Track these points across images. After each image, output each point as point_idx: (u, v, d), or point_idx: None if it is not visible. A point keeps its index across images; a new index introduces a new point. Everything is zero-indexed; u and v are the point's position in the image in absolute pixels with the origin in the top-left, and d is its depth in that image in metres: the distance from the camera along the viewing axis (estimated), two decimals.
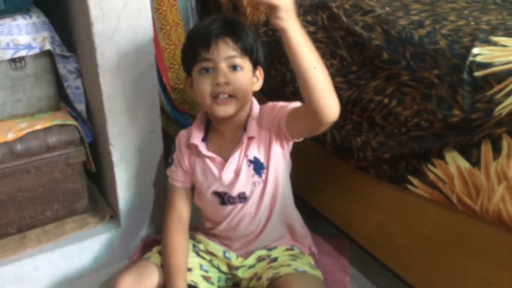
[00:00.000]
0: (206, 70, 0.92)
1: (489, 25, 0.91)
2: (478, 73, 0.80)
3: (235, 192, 0.99)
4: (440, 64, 0.86)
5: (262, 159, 0.98)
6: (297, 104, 0.93)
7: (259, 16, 1.31)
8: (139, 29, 1.03)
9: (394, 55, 0.94)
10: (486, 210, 0.79)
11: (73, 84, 1.16)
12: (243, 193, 0.99)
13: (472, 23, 0.93)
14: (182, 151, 1.04)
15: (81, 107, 1.18)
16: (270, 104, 0.99)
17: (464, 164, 0.82)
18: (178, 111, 1.45)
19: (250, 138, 0.97)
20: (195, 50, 0.92)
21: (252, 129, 0.97)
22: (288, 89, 1.22)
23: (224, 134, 1.00)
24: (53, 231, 1.17)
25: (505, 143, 0.76)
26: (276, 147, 0.98)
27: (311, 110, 0.83)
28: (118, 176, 1.14)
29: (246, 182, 0.98)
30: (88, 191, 1.22)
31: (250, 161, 0.98)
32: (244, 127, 0.98)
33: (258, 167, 0.98)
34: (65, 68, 1.15)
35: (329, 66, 1.09)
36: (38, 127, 1.09)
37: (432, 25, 0.94)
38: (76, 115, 1.20)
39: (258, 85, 0.99)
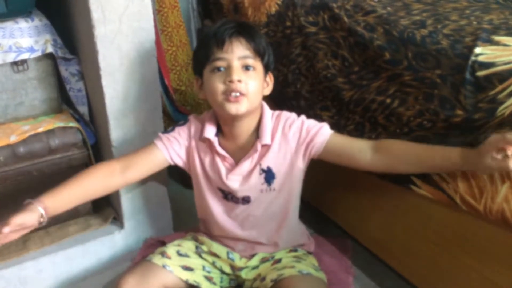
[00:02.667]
0: (219, 69, 0.91)
1: (491, 24, 0.91)
2: (480, 73, 0.80)
3: (239, 194, 0.99)
4: (442, 64, 0.86)
5: (275, 169, 0.97)
6: (328, 131, 0.95)
7: (260, 17, 1.31)
8: (141, 31, 1.03)
9: (396, 55, 0.94)
10: (490, 210, 0.79)
11: (75, 87, 1.16)
12: (248, 197, 0.99)
13: (474, 22, 0.93)
14: (192, 140, 1.01)
15: (83, 109, 1.18)
16: (293, 118, 0.97)
17: None
18: (180, 113, 1.45)
19: (265, 146, 0.97)
20: (208, 49, 0.91)
21: (267, 136, 0.96)
22: (290, 89, 1.22)
23: (236, 138, 0.98)
24: (56, 233, 1.17)
25: None
26: (300, 165, 0.98)
27: (376, 169, 0.93)
28: None
29: (253, 188, 0.98)
30: None
31: (263, 170, 0.97)
32: (257, 132, 0.97)
33: (269, 176, 0.98)
34: (67, 71, 1.15)
35: (330, 67, 1.09)
36: (40, 129, 1.10)
37: (434, 25, 0.94)
38: (78, 117, 1.20)
39: (268, 90, 0.98)
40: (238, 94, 0.90)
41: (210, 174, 1.01)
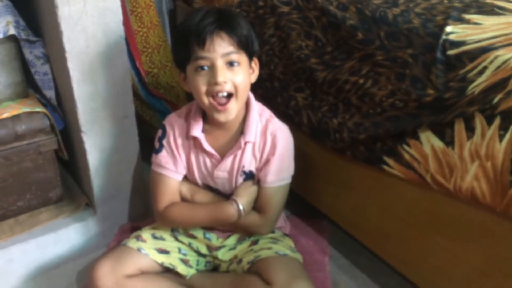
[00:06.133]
0: (202, 68, 0.88)
1: (462, 3, 0.91)
2: (451, 52, 0.80)
3: (226, 191, 1.00)
4: (414, 43, 0.86)
5: (254, 170, 0.98)
6: (268, 183, 0.97)
7: None
8: (107, 11, 0.99)
9: (368, 35, 0.93)
10: (459, 188, 0.80)
11: (41, 70, 1.12)
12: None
13: (445, 1, 0.93)
14: (177, 140, 0.99)
15: (50, 93, 1.14)
16: (279, 138, 0.96)
17: (438, 143, 0.82)
18: (153, 96, 1.42)
19: (248, 143, 0.96)
20: (189, 47, 0.88)
21: (251, 133, 0.95)
22: (264, 71, 1.20)
23: (222, 130, 0.97)
24: (27, 221, 1.14)
25: (478, 122, 0.76)
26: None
27: None
28: (92, 164, 1.11)
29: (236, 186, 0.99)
30: (62, 179, 1.20)
31: (244, 172, 0.98)
32: (242, 126, 0.96)
33: (249, 177, 0.99)
34: (32, 54, 1.10)
35: (304, 47, 1.07)
36: (5, 115, 1.06)
37: (406, 4, 0.93)
38: (45, 102, 1.16)
39: (254, 76, 0.96)
40: (225, 93, 0.88)
41: (197, 171, 1.00)
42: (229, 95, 0.90)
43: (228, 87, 0.88)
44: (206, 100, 0.90)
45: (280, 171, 0.97)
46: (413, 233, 0.93)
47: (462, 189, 0.80)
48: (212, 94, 0.89)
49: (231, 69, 0.89)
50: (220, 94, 0.88)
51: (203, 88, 0.89)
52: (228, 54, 0.88)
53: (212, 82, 0.87)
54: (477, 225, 0.81)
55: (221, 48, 0.87)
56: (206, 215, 0.98)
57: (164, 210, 0.99)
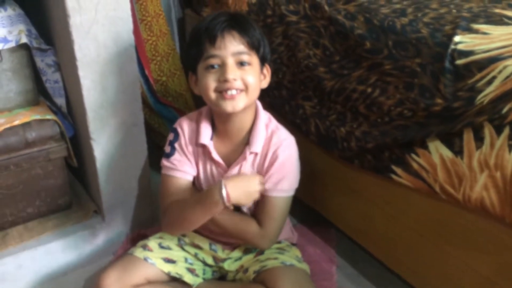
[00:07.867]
0: (213, 66, 0.88)
1: (471, 12, 0.91)
2: (459, 61, 0.80)
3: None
4: (422, 53, 0.86)
5: None
6: (275, 192, 0.95)
7: (241, 6, 1.29)
8: (118, 20, 1.01)
9: (376, 44, 0.93)
10: (468, 198, 0.80)
11: (51, 78, 1.14)
12: (239, 206, 0.99)
13: (454, 10, 0.93)
14: (187, 145, 0.99)
15: (60, 101, 1.16)
16: (283, 149, 0.95)
17: (446, 153, 0.82)
18: (161, 104, 1.43)
19: (253, 153, 0.95)
20: (200, 46, 0.88)
21: (257, 144, 0.94)
22: (271, 79, 1.19)
23: (229, 138, 0.97)
24: (36, 228, 1.15)
25: (487, 132, 0.76)
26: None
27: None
28: (101, 171, 1.12)
29: None
30: (71, 186, 1.21)
31: None
32: (248, 136, 0.96)
33: None
34: (43, 62, 1.12)
35: (312, 56, 1.08)
36: (16, 122, 1.07)
37: (414, 13, 0.94)
38: (56, 109, 1.17)
39: (265, 82, 0.96)
40: (234, 92, 0.87)
41: (203, 178, 1.00)
42: (238, 91, 0.88)
43: (238, 84, 0.87)
44: (213, 95, 0.89)
45: (280, 182, 0.95)
46: (421, 242, 0.92)
47: (471, 199, 0.79)
48: (220, 91, 0.88)
49: (242, 68, 0.88)
50: (229, 92, 0.87)
51: (212, 85, 0.88)
52: (239, 53, 0.87)
53: (222, 79, 0.87)
54: (486, 234, 0.80)
55: (232, 46, 0.87)
56: (194, 202, 0.92)
57: (167, 207, 0.97)
